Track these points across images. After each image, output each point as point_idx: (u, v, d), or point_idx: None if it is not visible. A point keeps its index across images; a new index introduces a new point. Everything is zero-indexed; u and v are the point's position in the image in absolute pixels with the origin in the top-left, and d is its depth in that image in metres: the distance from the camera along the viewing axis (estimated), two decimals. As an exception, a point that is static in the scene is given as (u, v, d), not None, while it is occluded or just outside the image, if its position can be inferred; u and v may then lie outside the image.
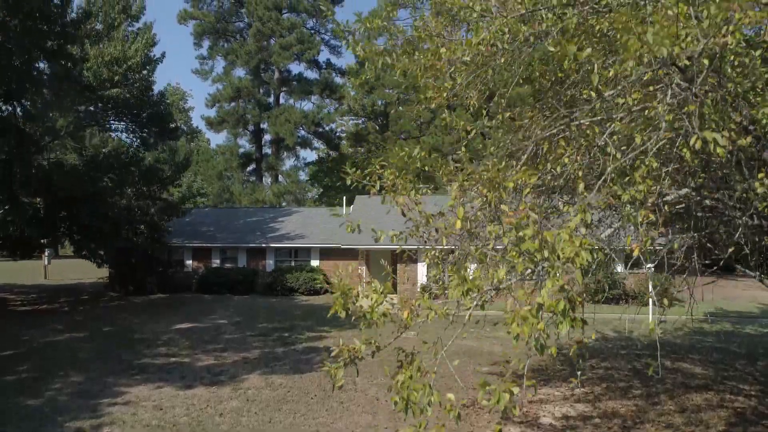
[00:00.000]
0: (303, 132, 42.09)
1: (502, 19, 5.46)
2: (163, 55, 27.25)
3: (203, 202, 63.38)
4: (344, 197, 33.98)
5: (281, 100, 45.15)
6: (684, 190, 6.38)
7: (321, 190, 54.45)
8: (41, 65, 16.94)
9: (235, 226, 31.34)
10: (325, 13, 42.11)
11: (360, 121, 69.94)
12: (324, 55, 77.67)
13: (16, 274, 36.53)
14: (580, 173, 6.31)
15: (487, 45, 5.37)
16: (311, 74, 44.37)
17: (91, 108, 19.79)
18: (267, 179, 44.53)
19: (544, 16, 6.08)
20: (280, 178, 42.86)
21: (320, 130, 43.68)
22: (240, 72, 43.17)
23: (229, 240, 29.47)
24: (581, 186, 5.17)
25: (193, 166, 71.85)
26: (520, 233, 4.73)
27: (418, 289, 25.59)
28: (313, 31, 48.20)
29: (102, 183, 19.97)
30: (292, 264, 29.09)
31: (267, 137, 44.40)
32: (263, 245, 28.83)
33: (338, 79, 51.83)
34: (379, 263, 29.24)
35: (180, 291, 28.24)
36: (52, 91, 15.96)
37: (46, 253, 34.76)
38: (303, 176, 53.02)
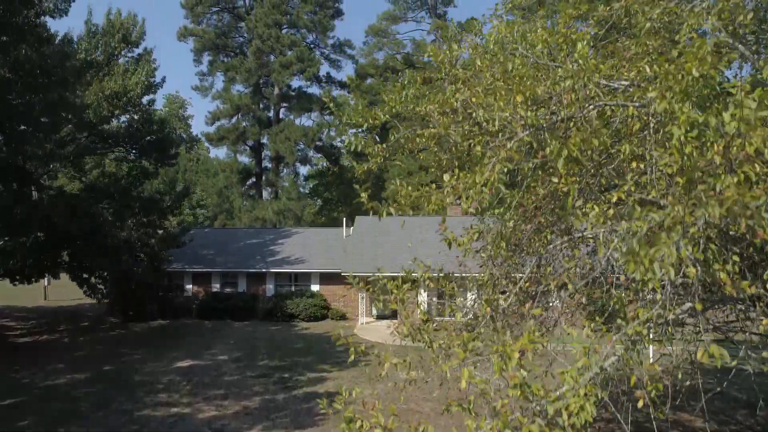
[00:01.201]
0: (302, 145, 42.07)
1: (506, 153, 5.46)
2: (163, 79, 27.24)
3: (203, 214, 63.45)
4: (344, 218, 33.96)
5: (281, 114, 45.18)
6: (686, 305, 6.38)
7: (321, 203, 54.42)
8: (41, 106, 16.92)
9: (236, 248, 31.33)
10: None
11: (359, 131, 69.99)
12: (324, 68, 78.19)
13: (16, 296, 36.49)
14: (584, 299, 6.32)
15: (491, 188, 5.37)
16: (311, 89, 44.33)
17: (91, 140, 19.74)
18: (267, 192, 44.51)
19: (548, 140, 6.09)
20: (280, 192, 42.84)
21: (320, 144, 43.69)
22: (239, 87, 43.25)
23: (230, 264, 29.46)
24: (587, 330, 5.17)
25: (193, 176, 71.97)
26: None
27: (419, 315, 25.11)
28: (312, 46, 48.20)
29: (101, 218, 19.93)
30: (293, 289, 29.10)
31: (267, 151, 44.41)
32: (263, 270, 28.81)
33: (338, 91, 52.00)
34: (379, 291, 29.26)
35: (180, 316, 28.19)
36: (53, 134, 15.92)
37: (46, 275, 34.69)
38: (303, 190, 52.97)
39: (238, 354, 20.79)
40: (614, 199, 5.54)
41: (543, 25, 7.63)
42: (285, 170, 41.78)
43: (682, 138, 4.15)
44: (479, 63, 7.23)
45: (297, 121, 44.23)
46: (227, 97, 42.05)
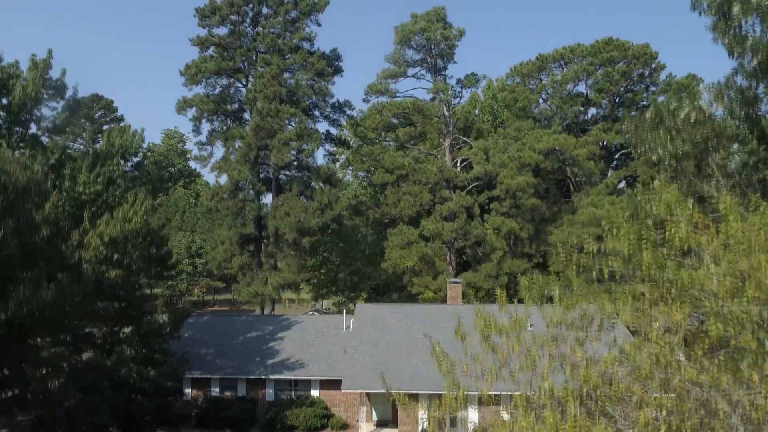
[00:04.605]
0: (302, 219, 41.85)
1: None
2: (159, 202, 27.22)
3: (201, 264, 63.17)
4: (344, 310, 33.86)
5: (281, 181, 44.97)
6: None
7: (320, 259, 54.09)
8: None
9: (235, 347, 31.10)
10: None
11: (359, 174, 69.79)
12: (323, 126, 78.78)
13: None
14: None
15: None
16: (312, 157, 44.02)
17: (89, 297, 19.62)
18: (268, 263, 44.18)
19: None
20: (279, 265, 42.68)
21: (319, 215, 43.49)
22: (238, 156, 42.94)
23: (229, 369, 29.31)
24: None
25: (191, 219, 71.81)
26: None
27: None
28: (312, 107, 48.03)
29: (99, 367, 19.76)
30: (293, 394, 29.02)
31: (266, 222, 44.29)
32: (263, 377, 28.72)
33: (338, 130, 52.04)
34: (380, 397, 29.08)
35: (180, 423, 27.86)
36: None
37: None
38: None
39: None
40: None
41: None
42: (284, 244, 41.57)
43: None
44: None
45: (297, 186, 44.03)
46: (226, 169, 41.91)
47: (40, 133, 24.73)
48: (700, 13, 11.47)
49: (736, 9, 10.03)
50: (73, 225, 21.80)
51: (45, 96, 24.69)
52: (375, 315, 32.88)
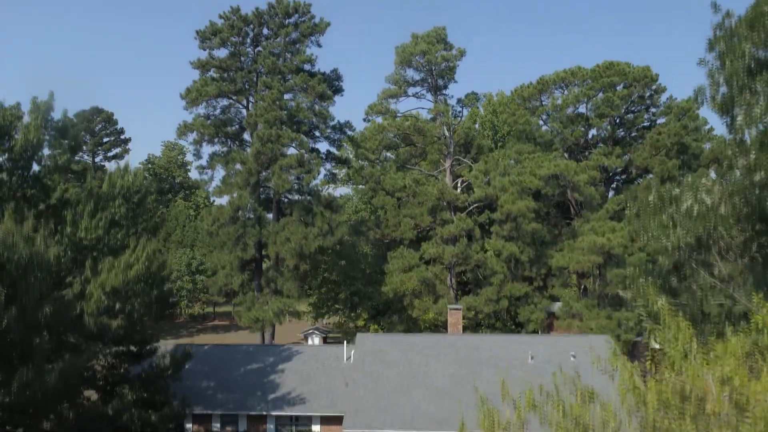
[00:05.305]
0: (303, 244, 41.89)
1: None
2: (159, 215, 27.22)
3: (201, 281, 63.05)
4: (344, 341, 33.87)
5: (282, 205, 45.01)
6: None
7: (321, 279, 54.08)
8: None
9: (236, 380, 31.09)
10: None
11: (360, 187, 69.80)
12: (323, 146, 79.07)
13: None
14: None
15: None
16: (313, 183, 44.05)
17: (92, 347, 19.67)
18: (268, 288, 44.24)
19: None
20: (279, 288, 42.69)
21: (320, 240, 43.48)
22: (238, 179, 42.94)
23: (230, 405, 29.31)
24: None
25: (191, 233, 71.73)
26: None
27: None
28: (313, 128, 48.05)
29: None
30: (294, 430, 29.07)
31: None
32: (264, 413, 28.75)
33: (339, 149, 52.10)
34: None
35: (180, 459, 28.07)
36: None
37: None
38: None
39: None
40: None
41: None
42: (285, 269, 41.60)
43: None
44: None
45: (297, 211, 44.00)
46: (227, 192, 41.96)
47: (41, 174, 24.79)
48: (702, 102, 11.51)
49: (739, 119, 10.08)
50: (75, 267, 21.90)
51: (46, 138, 24.78)
52: (376, 346, 32.81)
